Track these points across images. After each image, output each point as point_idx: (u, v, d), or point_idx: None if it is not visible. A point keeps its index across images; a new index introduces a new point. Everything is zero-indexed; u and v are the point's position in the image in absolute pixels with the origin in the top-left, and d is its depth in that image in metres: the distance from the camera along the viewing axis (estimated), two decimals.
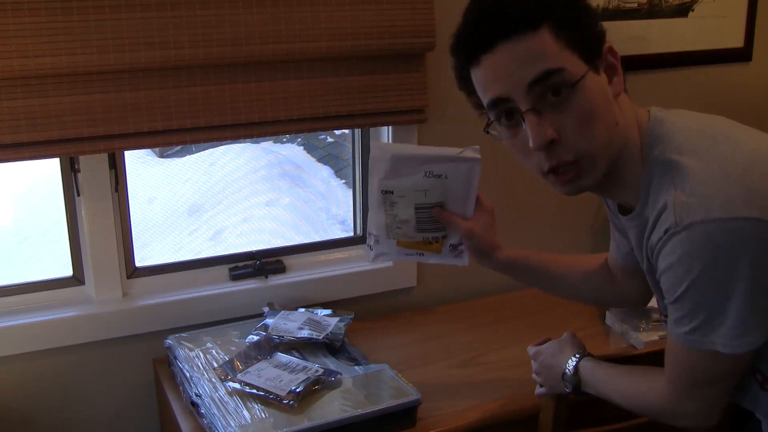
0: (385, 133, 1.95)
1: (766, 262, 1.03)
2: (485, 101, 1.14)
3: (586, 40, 1.10)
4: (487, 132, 1.19)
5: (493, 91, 1.12)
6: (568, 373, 1.34)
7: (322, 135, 2.98)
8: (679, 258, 1.06)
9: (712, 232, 1.03)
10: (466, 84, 1.17)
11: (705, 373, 1.13)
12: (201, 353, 1.64)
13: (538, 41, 1.07)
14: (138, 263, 1.85)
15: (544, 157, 1.11)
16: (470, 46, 1.12)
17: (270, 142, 3.11)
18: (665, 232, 1.07)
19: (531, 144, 1.09)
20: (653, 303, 1.40)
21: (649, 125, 1.16)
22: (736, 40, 2.31)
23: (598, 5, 2.05)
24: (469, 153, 1.38)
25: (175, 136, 1.68)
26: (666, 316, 1.21)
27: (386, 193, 1.38)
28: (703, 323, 1.08)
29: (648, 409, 1.24)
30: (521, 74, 1.08)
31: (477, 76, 1.13)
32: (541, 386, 1.46)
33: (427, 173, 1.37)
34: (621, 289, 1.48)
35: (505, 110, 1.12)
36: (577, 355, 1.36)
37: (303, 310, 1.81)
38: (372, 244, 1.45)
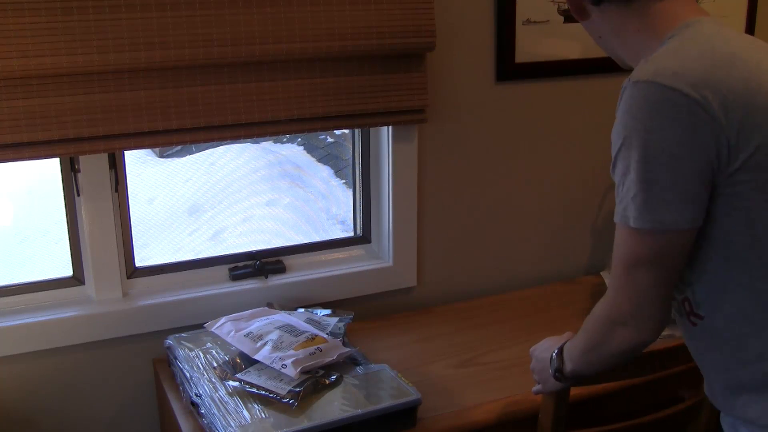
0: (385, 133, 1.95)
1: (687, 138, 1.05)
2: None
3: None
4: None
5: None
6: (553, 357, 1.35)
7: (322, 135, 2.98)
8: (621, 113, 1.10)
9: (651, 92, 1.06)
10: None
11: (628, 253, 1.13)
12: (201, 353, 1.64)
13: None
14: (138, 263, 1.86)
15: None
16: None
17: (270, 142, 3.10)
18: (621, 90, 1.12)
19: None
20: None
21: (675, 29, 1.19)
22: None
23: None
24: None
25: (175, 136, 1.68)
26: None
27: (249, 335, 1.61)
28: (624, 195, 1.10)
29: (597, 330, 1.23)
30: None
31: None
32: (538, 382, 1.46)
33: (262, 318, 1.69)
34: None
35: None
36: (566, 342, 1.37)
37: (303, 310, 1.82)
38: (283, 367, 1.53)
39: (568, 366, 1.33)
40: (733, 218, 1.10)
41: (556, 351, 1.35)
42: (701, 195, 1.08)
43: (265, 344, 1.57)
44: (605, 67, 2.09)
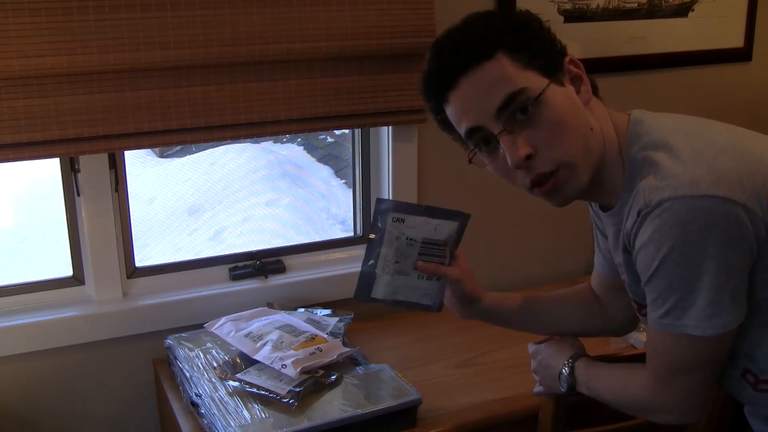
0: (385, 133, 1.94)
1: (733, 241, 1.05)
2: (462, 133, 1.19)
3: (544, 57, 1.14)
4: (471, 162, 1.22)
5: (466, 123, 1.16)
6: (564, 373, 1.35)
7: (322, 135, 2.98)
8: (650, 236, 1.08)
9: (680, 209, 1.05)
10: (445, 124, 1.23)
11: (680, 360, 1.13)
12: (201, 353, 1.64)
13: (496, 67, 1.11)
14: (138, 263, 1.86)
15: (525, 173, 1.15)
16: (436, 87, 1.17)
17: (270, 142, 3.11)
18: (638, 214, 1.09)
19: (509, 163, 1.13)
20: None
21: (629, 126, 1.18)
22: (736, 40, 2.31)
23: (598, 5, 2.05)
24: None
25: (175, 136, 1.68)
26: (636, 302, 1.24)
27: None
28: (674, 305, 1.09)
29: (631, 403, 1.24)
30: (487, 102, 1.12)
31: (450, 113, 1.19)
32: (540, 385, 1.46)
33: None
34: (608, 313, 1.47)
35: (481, 138, 1.17)
36: (574, 356, 1.36)
37: (303, 310, 1.82)
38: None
39: (584, 390, 1.33)
40: None
41: (567, 368, 1.35)
42: (747, 283, 1.08)
43: (265, 344, 1.57)
44: (605, 66, 2.08)
